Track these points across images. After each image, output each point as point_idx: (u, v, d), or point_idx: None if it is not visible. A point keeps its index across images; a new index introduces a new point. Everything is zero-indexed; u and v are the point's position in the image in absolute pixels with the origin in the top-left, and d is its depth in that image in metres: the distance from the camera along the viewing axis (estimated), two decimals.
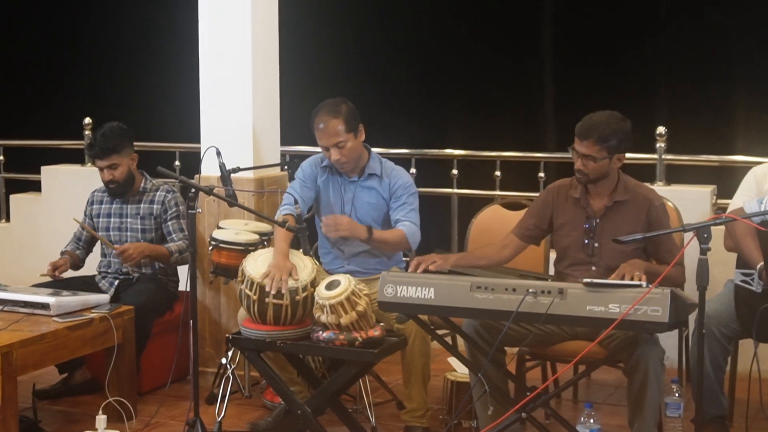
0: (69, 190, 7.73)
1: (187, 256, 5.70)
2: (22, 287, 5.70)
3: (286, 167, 6.15)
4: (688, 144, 9.11)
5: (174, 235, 6.00)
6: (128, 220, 6.02)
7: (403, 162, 5.98)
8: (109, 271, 6.06)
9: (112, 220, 6.06)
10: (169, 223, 6.01)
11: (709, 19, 14.59)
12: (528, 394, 4.56)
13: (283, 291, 4.73)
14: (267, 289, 4.73)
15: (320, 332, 4.67)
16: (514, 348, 4.89)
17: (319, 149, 5.30)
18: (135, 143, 6.07)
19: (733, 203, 5.15)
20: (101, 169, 5.97)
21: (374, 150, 5.42)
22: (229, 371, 5.47)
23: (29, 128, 10.41)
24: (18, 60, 14.37)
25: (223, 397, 5.38)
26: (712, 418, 5.01)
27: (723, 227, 5.12)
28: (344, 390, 5.27)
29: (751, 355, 4.41)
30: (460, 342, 4.96)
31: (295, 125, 7.23)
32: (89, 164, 8.02)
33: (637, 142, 4.90)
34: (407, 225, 5.22)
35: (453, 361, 5.32)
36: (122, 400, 5.35)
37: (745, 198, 5.03)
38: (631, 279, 4.34)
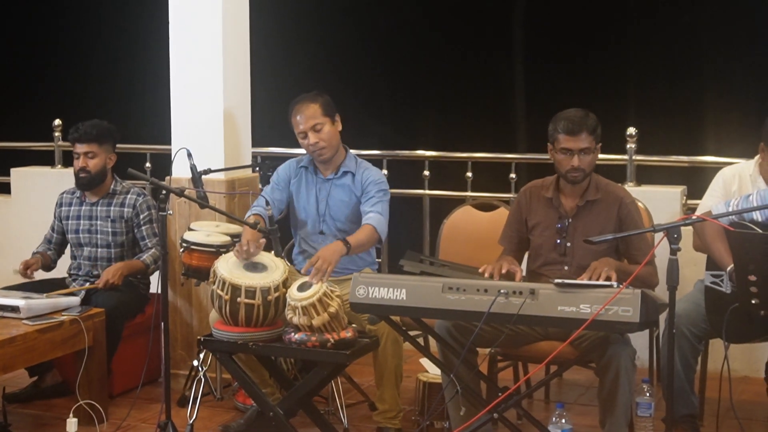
0: (39, 191, 7.68)
1: None
2: None
3: (257, 169, 6.14)
4: (659, 145, 9.15)
5: (147, 241, 5.98)
6: (98, 222, 6.00)
7: (374, 163, 5.97)
8: (80, 273, 6.03)
9: (82, 222, 6.03)
10: (143, 228, 5.99)
11: (679, 20, 14.66)
12: (500, 394, 4.57)
13: (252, 250, 4.83)
14: (243, 248, 4.81)
15: (292, 334, 4.67)
16: (486, 348, 4.90)
17: (292, 150, 5.31)
18: None
19: (702, 205, 5.17)
20: (77, 156, 5.96)
21: None
22: (201, 373, 5.46)
23: None
24: None
25: (195, 399, 5.36)
26: (683, 416, 5.03)
27: (692, 227, 5.14)
28: (316, 392, 5.27)
29: (721, 355, 4.43)
30: (432, 343, 4.96)
31: (267, 127, 7.21)
32: (59, 166, 7.99)
33: (607, 142, 4.93)
34: (372, 217, 5.23)
35: (425, 362, 5.32)
36: (93, 402, 5.33)
37: (713, 200, 5.06)
38: (599, 277, 4.37)
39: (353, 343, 4.72)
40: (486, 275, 4.58)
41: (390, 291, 4.43)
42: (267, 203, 5.18)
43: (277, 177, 5.47)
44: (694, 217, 4.43)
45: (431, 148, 7.79)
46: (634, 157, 6.60)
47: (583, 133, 4.74)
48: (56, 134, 8.03)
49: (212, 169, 5.81)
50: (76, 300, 5.64)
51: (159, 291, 4.87)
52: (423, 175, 7.24)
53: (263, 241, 4.97)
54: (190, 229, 5.72)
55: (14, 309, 5.31)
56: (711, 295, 4.74)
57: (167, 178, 5.79)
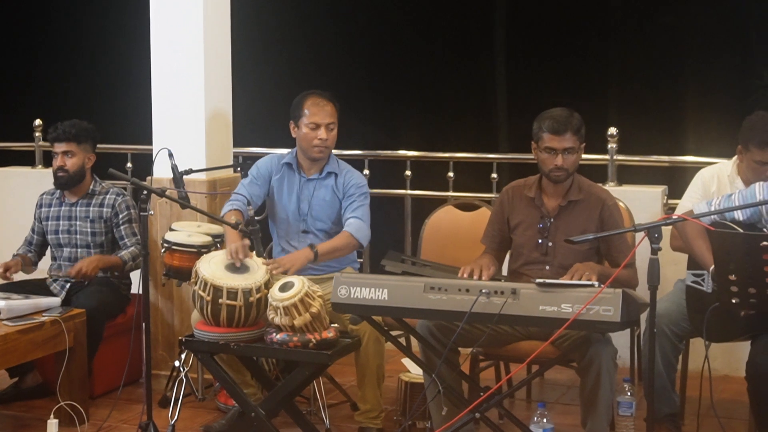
0: (19, 192, 7.64)
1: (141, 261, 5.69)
2: None
3: (238, 169, 6.13)
4: (639, 144, 9.19)
5: (126, 240, 5.96)
6: (77, 223, 5.98)
7: (356, 163, 5.99)
8: (61, 274, 6.01)
9: (61, 223, 6.01)
10: (121, 227, 5.97)
11: (660, 21, 14.74)
12: (481, 394, 4.57)
13: (242, 257, 4.81)
14: (228, 258, 4.81)
15: (274, 334, 4.67)
16: (467, 348, 4.91)
17: (273, 150, 5.30)
18: None
19: (681, 206, 5.18)
20: (56, 155, 5.95)
21: None
22: (182, 374, 5.45)
23: None
24: None
25: (177, 400, 5.35)
26: (665, 416, 5.04)
27: (671, 227, 5.16)
28: (298, 392, 5.26)
29: (702, 354, 4.44)
30: (414, 343, 4.96)
31: (248, 127, 7.20)
32: (40, 166, 7.96)
33: (588, 142, 4.94)
34: (352, 222, 5.27)
35: (407, 362, 5.32)
36: (74, 403, 5.31)
37: (692, 201, 5.08)
38: (581, 278, 4.38)
39: (335, 343, 4.71)
40: (465, 276, 4.59)
41: (372, 291, 4.43)
42: (249, 203, 5.18)
43: (257, 171, 5.46)
44: (675, 217, 4.44)
45: (413, 148, 7.79)
46: (615, 157, 6.62)
47: (567, 132, 4.75)
48: (37, 134, 8.00)
49: (193, 169, 5.80)
50: (56, 301, 5.63)
51: (140, 291, 4.86)
52: (405, 175, 7.23)
53: (247, 242, 4.97)
54: (171, 230, 5.71)
55: None
56: (692, 295, 4.76)
57: (148, 178, 5.77)
